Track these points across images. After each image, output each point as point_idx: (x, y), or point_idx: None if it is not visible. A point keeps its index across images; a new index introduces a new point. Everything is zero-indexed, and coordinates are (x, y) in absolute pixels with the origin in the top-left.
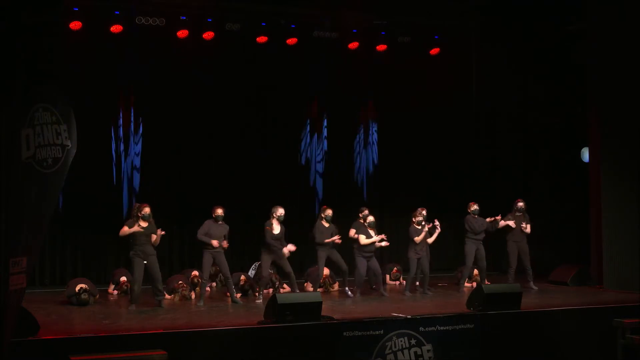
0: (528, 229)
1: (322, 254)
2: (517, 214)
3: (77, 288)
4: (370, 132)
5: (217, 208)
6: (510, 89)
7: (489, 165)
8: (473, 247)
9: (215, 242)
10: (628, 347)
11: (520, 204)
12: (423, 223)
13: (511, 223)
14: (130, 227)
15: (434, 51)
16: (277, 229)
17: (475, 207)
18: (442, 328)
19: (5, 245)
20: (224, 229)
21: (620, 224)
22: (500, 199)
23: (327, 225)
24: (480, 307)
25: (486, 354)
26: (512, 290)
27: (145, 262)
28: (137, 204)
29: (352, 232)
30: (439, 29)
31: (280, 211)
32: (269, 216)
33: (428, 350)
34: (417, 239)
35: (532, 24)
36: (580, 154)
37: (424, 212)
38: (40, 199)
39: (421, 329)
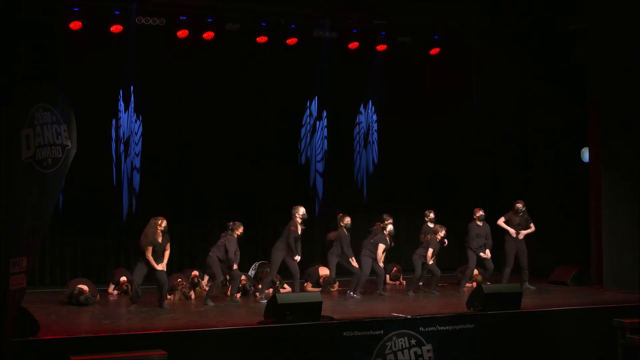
0: (521, 235)
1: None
2: (518, 214)
3: (76, 290)
4: (370, 132)
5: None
6: (510, 89)
7: (488, 165)
8: (475, 253)
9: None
10: (628, 347)
11: (519, 205)
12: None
13: (512, 231)
14: (150, 246)
15: (434, 51)
16: (300, 228)
17: (480, 213)
18: (442, 328)
19: (5, 245)
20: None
21: (620, 224)
22: (500, 199)
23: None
24: (480, 307)
25: (486, 354)
26: (512, 290)
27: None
28: (154, 219)
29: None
30: (439, 29)
31: (302, 210)
32: (290, 217)
33: (428, 350)
34: (429, 257)
35: (532, 24)
36: (580, 154)
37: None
38: (41, 199)
39: (421, 329)
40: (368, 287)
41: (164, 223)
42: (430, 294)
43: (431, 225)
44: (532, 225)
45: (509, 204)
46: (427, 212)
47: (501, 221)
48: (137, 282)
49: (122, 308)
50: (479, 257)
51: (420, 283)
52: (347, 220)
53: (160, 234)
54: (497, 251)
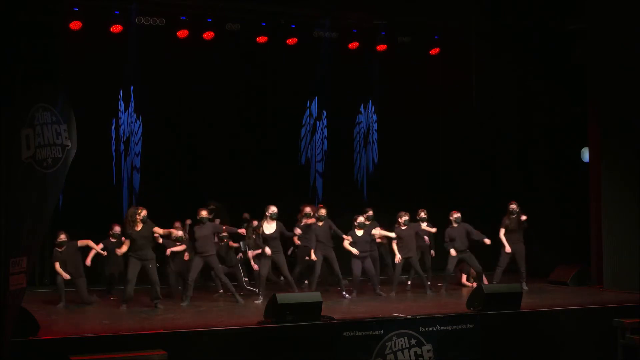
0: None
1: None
2: (512, 216)
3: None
4: (370, 131)
5: (201, 210)
6: (510, 89)
7: (489, 166)
8: (455, 257)
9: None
10: (628, 347)
11: (513, 206)
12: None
13: (507, 249)
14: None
15: (434, 51)
16: (269, 228)
17: (456, 215)
18: (442, 328)
19: (5, 245)
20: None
21: (620, 223)
22: (500, 199)
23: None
24: (480, 307)
25: (486, 354)
26: (512, 290)
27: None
28: (133, 208)
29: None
30: (439, 29)
31: (272, 209)
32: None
33: (428, 350)
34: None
35: (532, 24)
36: (580, 154)
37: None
38: (40, 199)
39: (421, 329)
40: (365, 287)
41: (143, 212)
42: (424, 294)
43: (423, 224)
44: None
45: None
46: (418, 211)
47: (502, 233)
48: (132, 281)
49: (122, 308)
50: (464, 259)
51: (409, 282)
52: (322, 212)
53: (140, 222)
54: (495, 252)
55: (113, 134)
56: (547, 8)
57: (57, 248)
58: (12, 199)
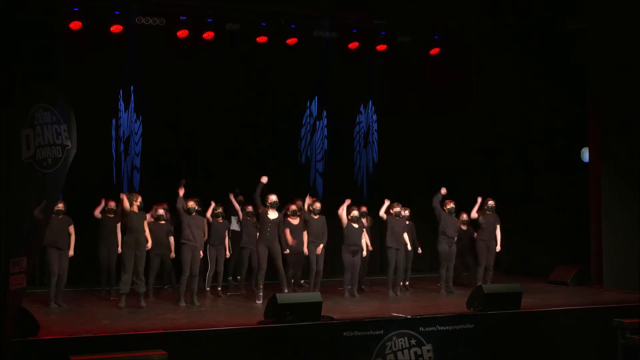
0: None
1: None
2: (487, 212)
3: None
4: (370, 131)
5: (189, 201)
6: (510, 89)
7: (489, 165)
8: (446, 247)
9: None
10: (628, 347)
11: (491, 202)
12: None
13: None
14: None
15: (434, 51)
16: (272, 214)
17: (451, 205)
18: (442, 328)
19: (5, 245)
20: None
21: (620, 223)
22: (500, 199)
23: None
24: (480, 307)
25: (486, 354)
26: (512, 290)
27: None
28: (128, 194)
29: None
30: (439, 29)
31: (272, 198)
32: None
33: (428, 350)
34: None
35: (532, 24)
36: (580, 154)
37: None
38: (41, 199)
39: (421, 329)
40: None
41: (139, 199)
42: (424, 295)
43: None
44: (498, 227)
45: (509, 204)
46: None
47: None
48: (129, 270)
49: (122, 308)
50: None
51: (401, 283)
52: (317, 205)
53: (137, 208)
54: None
55: (113, 134)
56: (547, 8)
57: (53, 216)
58: (12, 199)
